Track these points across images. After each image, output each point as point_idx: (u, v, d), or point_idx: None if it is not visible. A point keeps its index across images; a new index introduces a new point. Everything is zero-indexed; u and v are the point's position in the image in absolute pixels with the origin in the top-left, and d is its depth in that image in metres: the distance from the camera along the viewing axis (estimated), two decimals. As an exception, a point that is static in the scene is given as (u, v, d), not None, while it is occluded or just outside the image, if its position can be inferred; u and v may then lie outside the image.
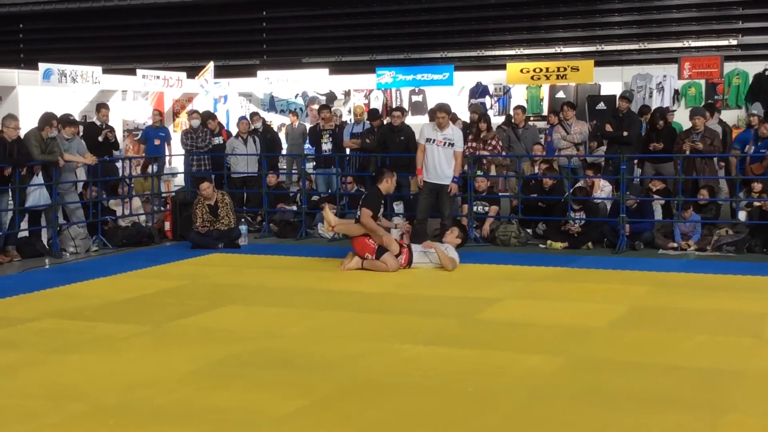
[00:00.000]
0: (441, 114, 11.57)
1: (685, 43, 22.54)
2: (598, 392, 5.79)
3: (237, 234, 12.62)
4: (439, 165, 11.51)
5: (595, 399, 5.65)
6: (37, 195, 11.79)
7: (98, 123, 14.39)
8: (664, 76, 18.96)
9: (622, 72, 19.88)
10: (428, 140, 11.56)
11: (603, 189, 13.16)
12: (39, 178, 11.83)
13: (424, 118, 17.15)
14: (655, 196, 12.70)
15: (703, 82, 18.92)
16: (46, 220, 12.17)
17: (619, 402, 5.58)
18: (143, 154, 16.03)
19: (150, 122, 19.55)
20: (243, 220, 13.32)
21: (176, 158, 17.70)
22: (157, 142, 15.54)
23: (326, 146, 14.58)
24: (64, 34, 28.94)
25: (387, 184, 10.98)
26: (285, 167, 18.23)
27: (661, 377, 6.11)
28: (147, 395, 5.79)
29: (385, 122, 14.69)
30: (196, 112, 16.16)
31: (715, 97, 18.92)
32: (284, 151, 17.96)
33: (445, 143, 11.50)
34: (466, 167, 12.53)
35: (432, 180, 11.57)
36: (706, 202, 12.35)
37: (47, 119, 11.93)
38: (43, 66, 17.26)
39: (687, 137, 12.85)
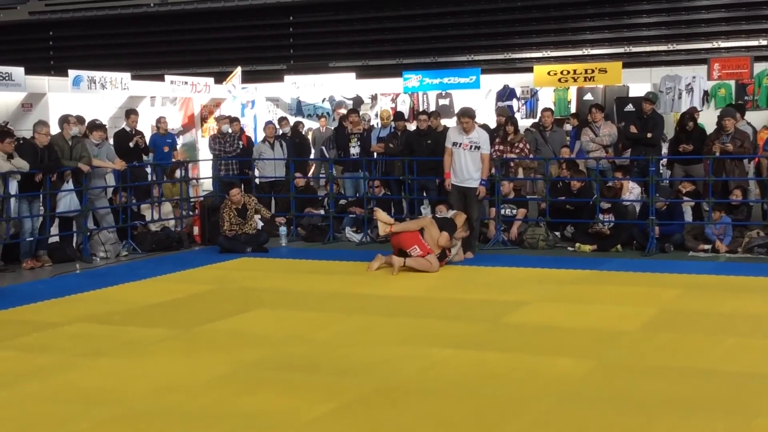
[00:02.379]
0: (465, 119, 11.59)
1: (715, 44, 22.34)
2: (628, 396, 5.74)
3: (265, 238, 12.69)
4: (466, 168, 11.52)
5: (625, 403, 5.61)
6: (68, 201, 11.91)
7: (128, 129, 14.49)
8: (694, 77, 18.78)
9: (651, 73, 19.72)
10: (455, 144, 11.58)
11: (632, 191, 13.07)
12: (69, 184, 11.96)
13: (451, 122, 17.12)
14: (685, 198, 12.60)
15: (732, 82, 18.73)
16: (77, 226, 12.28)
17: (649, 406, 5.54)
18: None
19: (179, 128, 19.77)
20: (281, 223, 13.41)
21: (200, 163, 17.79)
22: (165, 149, 15.60)
23: (354, 150, 14.60)
24: (94, 41, 29.22)
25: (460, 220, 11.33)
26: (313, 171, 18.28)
27: (692, 381, 6.06)
28: (177, 399, 5.82)
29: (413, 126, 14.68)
30: (228, 117, 16.23)
31: (745, 98, 18.73)
32: (312, 155, 18.02)
33: (471, 146, 11.51)
34: (493, 170, 12.52)
35: (460, 183, 11.58)
36: (738, 204, 12.23)
37: (64, 118, 12.19)
38: (72, 73, 17.39)
39: (717, 139, 12.74)
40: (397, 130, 14.16)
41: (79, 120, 12.98)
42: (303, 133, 17.51)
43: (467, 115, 11.74)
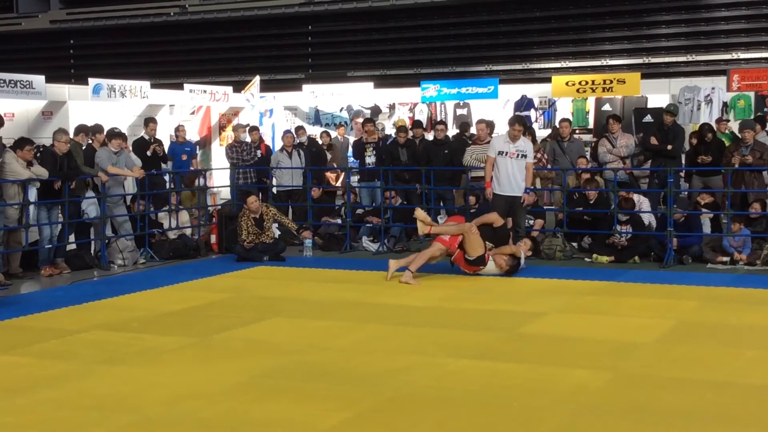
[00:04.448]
0: (518, 127, 11.56)
1: (734, 55, 22.27)
2: (645, 408, 5.71)
3: (282, 247, 12.72)
4: (513, 177, 11.50)
5: (642, 415, 5.58)
6: (95, 207, 12.03)
7: (147, 137, 14.56)
8: (713, 89, 18.69)
9: (670, 84, 19.65)
10: (500, 153, 11.53)
11: (641, 204, 12.98)
12: (91, 191, 12.07)
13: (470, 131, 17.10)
14: (704, 210, 12.54)
15: (752, 94, 18.64)
16: (95, 233, 12.34)
17: (666, 419, 5.50)
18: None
19: (197, 137, 19.85)
20: (307, 237, 13.40)
21: (217, 172, 17.83)
22: (184, 157, 15.67)
23: (369, 159, 14.63)
24: (113, 50, 29.45)
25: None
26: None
27: (709, 393, 6.02)
28: (193, 407, 5.83)
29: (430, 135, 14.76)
30: (246, 126, 16.31)
31: (765, 109, 18.61)
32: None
33: (518, 155, 11.50)
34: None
35: (506, 192, 11.54)
36: (757, 216, 12.16)
37: (80, 128, 12.64)
38: (92, 81, 17.50)
39: (736, 150, 12.70)
40: (398, 139, 14.24)
41: (97, 129, 13.07)
42: (329, 142, 17.56)
43: (520, 122, 11.74)
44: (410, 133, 14.73)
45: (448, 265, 11.10)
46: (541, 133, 17.94)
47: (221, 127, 21.45)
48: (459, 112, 20.88)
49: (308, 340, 7.76)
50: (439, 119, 19.61)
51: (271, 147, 18.65)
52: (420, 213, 11.08)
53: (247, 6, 28.38)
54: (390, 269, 10.67)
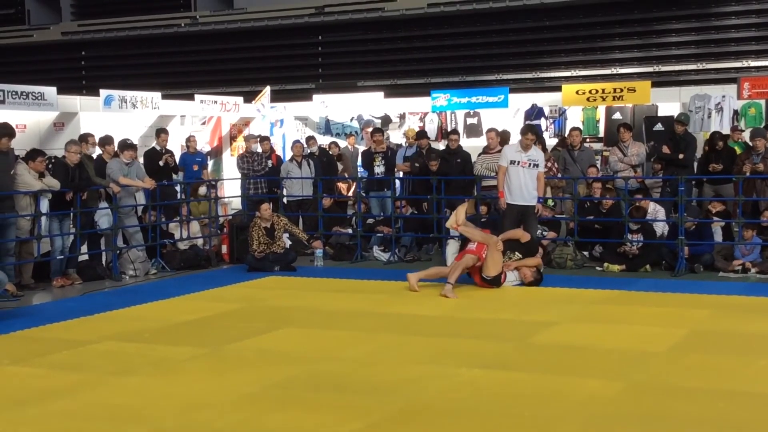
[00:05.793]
0: (530, 136, 11.54)
1: (745, 63, 22.21)
2: (658, 417, 5.70)
3: (293, 257, 12.74)
4: (525, 186, 11.47)
5: (655, 424, 5.56)
6: (108, 218, 12.08)
7: (158, 148, 14.61)
8: (723, 97, 18.64)
9: (680, 92, 19.61)
10: (512, 162, 11.51)
11: (657, 213, 12.96)
12: (103, 202, 12.13)
13: (480, 141, 17.13)
14: (715, 218, 12.50)
15: (763, 102, 18.59)
16: (106, 244, 12.39)
17: (679, 428, 5.49)
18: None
19: (208, 148, 19.91)
20: (318, 247, 13.39)
21: (228, 182, 17.88)
22: (195, 167, 15.71)
23: (378, 169, 14.64)
24: (125, 61, 29.56)
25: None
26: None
27: (722, 402, 6.00)
28: (205, 417, 5.84)
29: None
30: (257, 136, 16.34)
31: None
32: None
33: (530, 164, 11.48)
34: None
35: (518, 202, 11.52)
36: (768, 224, 12.14)
37: (82, 137, 12.70)
38: (104, 92, 17.58)
39: (747, 158, 12.67)
40: (421, 149, 14.19)
41: (107, 140, 13.11)
42: (338, 152, 17.59)
43: (533, 131, 11.73)
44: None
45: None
46: (551, 142, 17.91)
47: (232, 138, 21.51)
48: (469, 121, 20.89)
49: (320, 350, 7.76)
50: (449, 129, 19.61)
51: (282, 157, 18.71)
52: (461, 211, 11.07)
53: (258, 17, 28.48)
54: (411, 281, 10.60)
